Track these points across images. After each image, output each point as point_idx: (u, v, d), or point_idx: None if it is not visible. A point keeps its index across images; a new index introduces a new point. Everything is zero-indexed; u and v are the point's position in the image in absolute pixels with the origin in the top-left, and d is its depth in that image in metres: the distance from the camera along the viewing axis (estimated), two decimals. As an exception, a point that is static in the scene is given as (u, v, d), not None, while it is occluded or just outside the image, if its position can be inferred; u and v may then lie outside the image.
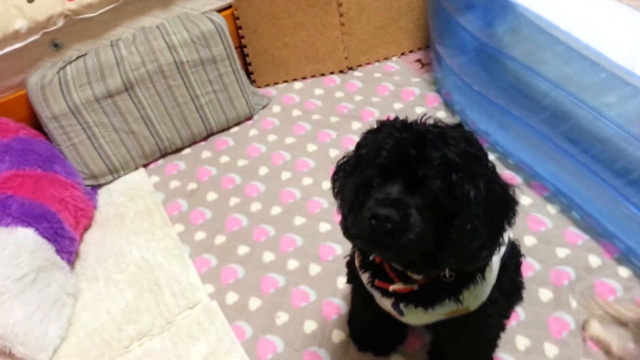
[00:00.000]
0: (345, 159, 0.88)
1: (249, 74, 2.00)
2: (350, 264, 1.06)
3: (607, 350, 1.16)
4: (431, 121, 0.81)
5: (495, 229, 0.79)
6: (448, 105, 1.84)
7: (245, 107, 1.86)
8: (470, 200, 0.74)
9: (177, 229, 1.54)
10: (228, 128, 1.86)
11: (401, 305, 0.92)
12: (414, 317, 0.93)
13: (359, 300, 1.14)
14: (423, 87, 1.93)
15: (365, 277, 0.94)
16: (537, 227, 1.42)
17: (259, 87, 2.03)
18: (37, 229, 1.29)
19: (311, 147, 1.75)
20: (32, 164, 1.44)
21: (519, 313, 1.24)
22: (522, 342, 1.20)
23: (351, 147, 1.71)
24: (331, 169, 1.65)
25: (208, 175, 1.70)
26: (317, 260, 1.41)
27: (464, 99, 1.76)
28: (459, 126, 0.81)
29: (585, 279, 1.30)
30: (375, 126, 0.83)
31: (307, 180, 1.63)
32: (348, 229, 0.85)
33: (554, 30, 1.38)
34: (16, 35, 1.54)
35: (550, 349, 1.18)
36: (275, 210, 1.56)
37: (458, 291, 0.87)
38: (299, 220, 1.52)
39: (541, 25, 1.41)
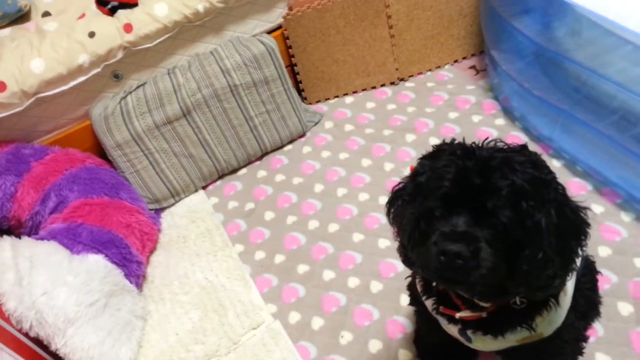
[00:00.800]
0: (401, 185, 0.85)
1: (300, 91, 2.02)
2: (411, 287, 1.03)
3: None
4: (492, 144, 0.77)
5: (568, 256, 0.75)
6: (507, 111, 1.78)
7: (298, 124, 1.87)
8: (542, 229, 0.70)
9: (238, 249, 1.56)
10: (282, 146, 1.88)
11: (469, 332, 0.88)
12: (483, 343, 0.89)
13: (424, 322, 1.11)
14: (479, 95, 1.87)
15: (429, 303, 0.91)
16: (612, 237, 1.34)
17: (310, 103, 2.04)
18: (106, 255, 1.34)
19: (366, 162, 1.73)
20: (99, 192, 1.50)
21: (597, 329, 1.17)
22: (602, 359, 1.13)
23: (406, 160, 1.70)
24: (387, 183, 1.63)
25: (264, 194, 1.72)
26: (378, 278, 1.39)
27: (524, 104, 1.70)
28: (524, 148, 0.77)
29: (669, 292, 1.21)
30: (431, 150, 0.81)
31: (363, 196, 1.62)
32: (408, 258, 0.83)
33: (619, 31, 1.31)
34: (80, 70, 1.62)
35: (635, 368, 1.11)
36: (333, 227, 1.55)
37: (530, 318, 0.83)
38: (357, 237, 1.50)
39: (605, 27, 1.35)
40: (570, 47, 1.50)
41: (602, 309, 1.16)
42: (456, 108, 1.84)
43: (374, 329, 1.28)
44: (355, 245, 1.48)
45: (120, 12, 1.69)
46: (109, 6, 1.72)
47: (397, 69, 2.01)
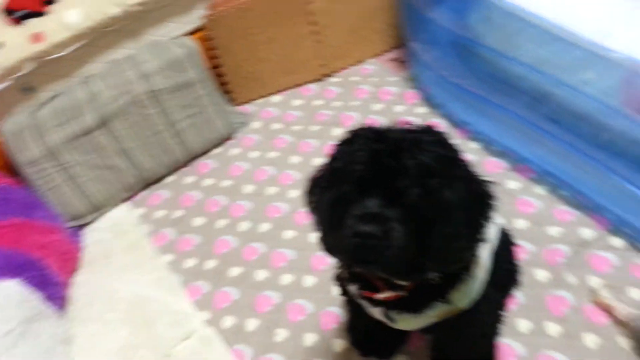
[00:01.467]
0: (319, 173, 0.85)
1: (227, 93, 1.99)
2: (339, 277, 1.04)
3: (613, 316, 1.16)
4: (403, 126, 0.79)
5: (475, 228, 0.78)
6: (427, 100, 1.83)
7: (225, 127, 1.84)
8: (450, 205, 0.72)
9: (167, 259, 1.51)
10: (209, 150, 1.84)
11: (391, 313, 0.89)
12: (406, 322, 0.91)
13: (353, 309, 1.11)
14: (401, 86, 1.92)
15: (353, 288, 0.92)
16: (527, 210, 1.40)
17: (239, 104, 2.01)
18: (22, 279, 1.26)
19: (294, 159, 1.73)
20: (12, 212, 1.41)
21: (518, 297, 1.21)
22: (524, 325, 1.17)
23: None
24: (316, 179, 1.63)
25: (193, 200, 1.68)
26: (310, 272, 1.38)
27: (443, 92, 1.75)
28: (431, 128, 0.79)
29: (580, 254, 1.28)
30: (347, 136, 0.81)
31: (293, 193, 1.61)
32: (328, 245, 0.83)
33: (525, 15, 1.39)
34: (-14, 84, 1.53)
35: (553, 328, 1.16)
36: (264, 227, 1.53)
37: (446, 292, 0.85)
38: (288, 234, 1.49)
39: (512, 11, 1.42)
40: (483, 33, 1.56)
41: (521, 278, 1.20)
42: (380, 100, 1.87)
43: (308, 323, 1.27)
44: (287, 242, 1.47)
45: (29, 21, 1.61)
46: (17, 15, 1.63)
47: (321, 65, 2.02)
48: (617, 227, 1.31)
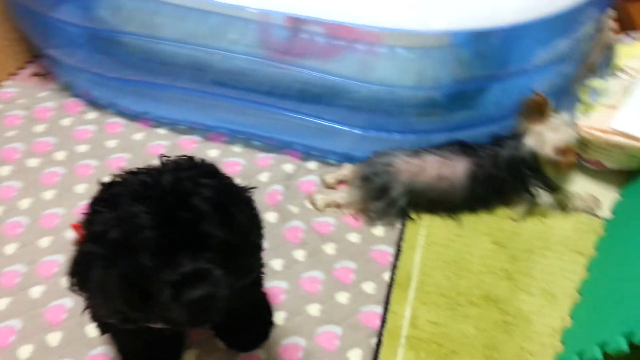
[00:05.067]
0: (86, 249, 0.72)
1: None
2: (95, 317, 0.93)
3: (337, 206, 1.40)
4: (167, 164, 0.77)
5: (259, 233, 0.83)
6: (94, 103, 1.72)
7: None
8: (246, 227, 0.76)
9: None
10: None
11: None
12: None
13: (127, 336, 1.03)
14: (56, 98, 1.74)
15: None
16: (235, 169, 1.51)
17: None
18: None
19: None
20: None
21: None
22: (277, 263, 1.29)
23: (14, 195, 1.46)
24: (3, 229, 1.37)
25: None
26: (49, 329, 1.18)
27: (106, 90, 1.67)
28: (191, 158, 0.79)
29: (291, 186, 1.47)
30: (102, 193, 0.74)
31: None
32: (132, 317, 0.74)
33: (151, -5, 1.40)
34: None
35: (299, 254, 1.31)
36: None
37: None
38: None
39: (137, -5, 1.41)
40: (120, 22, 1.52)
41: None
42: (40, 120, 1.66)
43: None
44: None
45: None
46: None
47: (-55, 105, 1.65)
48: (307, 153, 1.55)
